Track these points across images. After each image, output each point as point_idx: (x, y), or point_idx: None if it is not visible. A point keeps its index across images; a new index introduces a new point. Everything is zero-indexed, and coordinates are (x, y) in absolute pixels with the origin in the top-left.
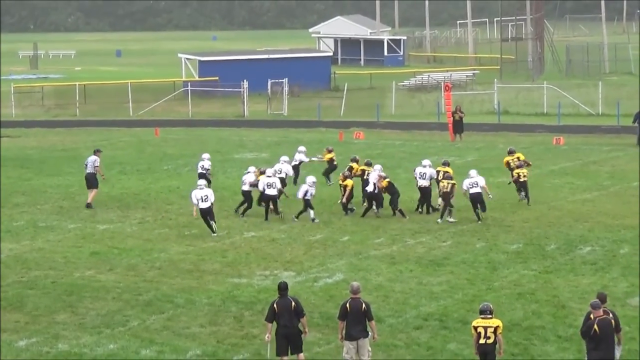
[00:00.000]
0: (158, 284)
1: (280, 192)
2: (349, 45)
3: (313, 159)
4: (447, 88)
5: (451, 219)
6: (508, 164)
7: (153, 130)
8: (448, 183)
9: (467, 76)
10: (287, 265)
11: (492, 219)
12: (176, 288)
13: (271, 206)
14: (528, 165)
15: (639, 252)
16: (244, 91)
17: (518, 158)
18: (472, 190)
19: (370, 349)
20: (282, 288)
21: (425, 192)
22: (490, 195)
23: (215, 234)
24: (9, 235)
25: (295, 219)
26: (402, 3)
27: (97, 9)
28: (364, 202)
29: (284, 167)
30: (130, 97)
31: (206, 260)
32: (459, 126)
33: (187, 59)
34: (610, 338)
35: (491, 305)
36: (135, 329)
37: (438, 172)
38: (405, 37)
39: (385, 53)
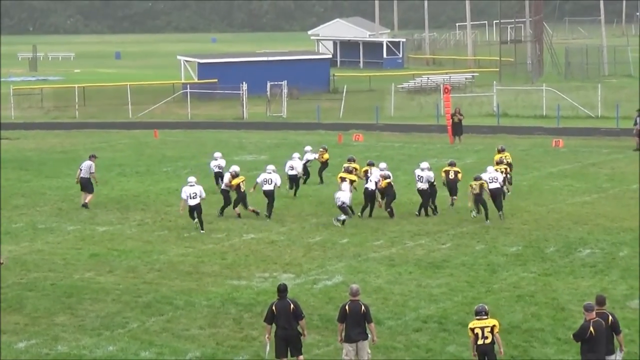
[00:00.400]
0: (157, 285)
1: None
2: (348, 48)
3: (315, 156)
4: (446, 90)
5: (487, 222)
6: (501, 160)
7: (152, 132)
8: (477, 184)
9: (466, 78)
10: (287, 267)
11: (492, 222)
12: (175, 290)
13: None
14: (508, 167)
15: (638, 255)
16: (243, 93)
17: (507, 157)
18: (491, 186)
19: (369, 351)
20: (282, 290)
21: (424, 195)
22: (508, 192)
23: (203, 231)
24: (9, 237)
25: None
26: (401, 5)
27: (96, 11)
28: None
29: (295, 163)
30: (129, 99)
31: (205, 262)
32: (458, 128)
33: (186, 61)
34: (604, 340)
35: (486, 307)
36: (135, 331)
37: (447, 172)
38: (404, 40)
39: (385, 55)
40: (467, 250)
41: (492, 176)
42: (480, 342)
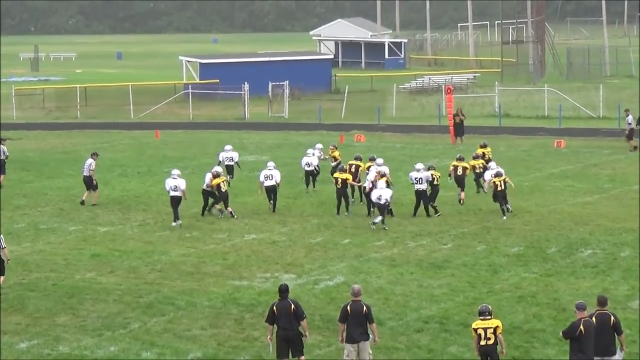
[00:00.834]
0: (159, 286)
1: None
2: (349, 48)
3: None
4: (448, 91)
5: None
6: (483, 155)
7: (154, 133)
8: (500, 180)
9: (468, 79)
10: (288, 267)
11: (493, 222)
12: (177, 290)
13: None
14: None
15: (639, 255)
16: (244, 94)
17: (485, 154)
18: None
19: (371, 351)
20: (283, 290)
21: (423, 196)
22: (512, 185)
23: (178, 222)
24: (10, 238)
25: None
26: (403, 6)
27: (98, 11)
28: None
29: (311, 160)
30: (130, 99)
31: (207, 262)
32: (459, 129)
33: (187, 61)
34: (593, 340)
35: (490, 307)
36: (136, 332)
37: (455, 167)
38: (406, 40)
39: (386, 56)
40: (468, 251)
41: (495, 172)
42: (483, 342)
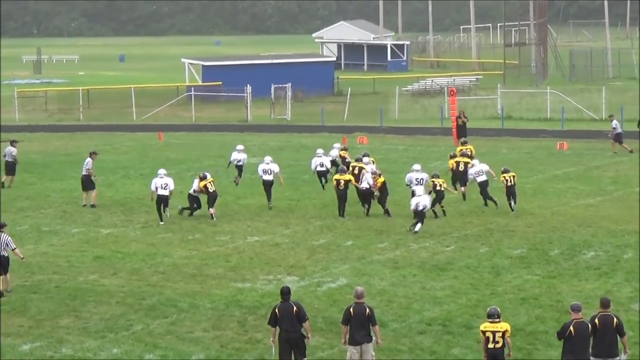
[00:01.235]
0: (162, 288)
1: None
2: (352, 50)
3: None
4: (451, 93)
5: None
6: (461, 153)
7: (156, 135)
8: (510, 176)
9: (470, 81)
10: (291, 269)
11: (496, 224)
12: (180, 292)
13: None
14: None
15: None
16: (247, 96)
17: (471, 149)
18: (479, 179)
19: (373, 353)
20: (285, 292)
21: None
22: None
23: (162, 223)
24: (13, 240)
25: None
26: (405, 8)
27: (100, 14)
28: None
29: (323, 160)
30: (133, 101)
31: (210, 264)
32: (462, 131)
33: (190, 63)
34: (585, 341)
35: (498, 309)
36: (139, 334)
37: (457, 163)
38: (408, 42)
39: (389, 58)
40: (471, 253)
41: (478, 169)
42: (491, 345)
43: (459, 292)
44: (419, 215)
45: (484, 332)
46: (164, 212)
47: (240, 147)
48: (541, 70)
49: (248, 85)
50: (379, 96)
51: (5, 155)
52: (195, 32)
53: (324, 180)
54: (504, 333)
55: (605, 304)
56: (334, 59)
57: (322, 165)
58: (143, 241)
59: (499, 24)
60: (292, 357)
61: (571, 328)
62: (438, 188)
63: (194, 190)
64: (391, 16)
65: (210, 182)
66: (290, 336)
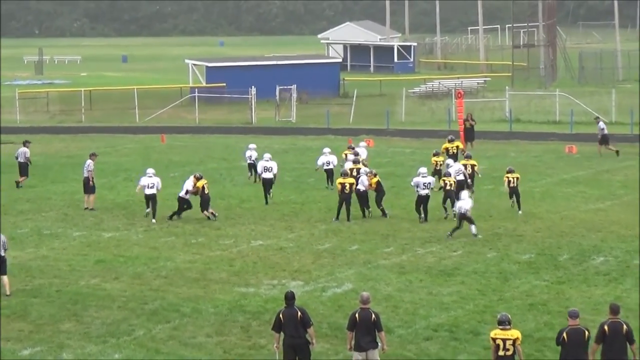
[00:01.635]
0: (164, 292)
1: (275, 176)
2: (358, 52)
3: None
4: (459, 95)
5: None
6: (447, 150)
7: (159, 137)
8: (513, 177)
9: (478, 83)
10: (295, 274)
11: (504, 229)
12: (182, 297)
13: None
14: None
15: None
16: (251, 98)
17: (457, 147)
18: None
19: None
20: (289, 297)
21: (425, 201)
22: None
23: (154, 221)
24: (13, 243)
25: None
26: (412, 9)
27: (103, 14)
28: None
29: (330, 158)
30: (136, 103)
31: (213, 269)
32: (470, 134)
33: (194, 64)
34: (579, 348)
35: (509, 316)
36: (141, 339)
37: (465, 166)
38: (415, 44)
39: (395, 59)
40: (478, 258)
41: (457, 169)
42: (501, 353)
43: (466, 297)
44: (466, 218)
45: (494, 339)
46: (149, 210)
47: (252, 145)
48: (550, 72)
49: (252, 86)
50: (386, 98)
51: (18, 157)
52: (199, 33)
53: (330, 183)
54: (514, 341)
55: (614, 310)
56: (340, 60)
57: (329, 164)
58: (145, 245)
59: (507, 25)
60: None
61: (564, 334)
62: (448, 187)
63: (187, 192)
64: (398, 17)
65: (206, 184)
66: (294, 342)
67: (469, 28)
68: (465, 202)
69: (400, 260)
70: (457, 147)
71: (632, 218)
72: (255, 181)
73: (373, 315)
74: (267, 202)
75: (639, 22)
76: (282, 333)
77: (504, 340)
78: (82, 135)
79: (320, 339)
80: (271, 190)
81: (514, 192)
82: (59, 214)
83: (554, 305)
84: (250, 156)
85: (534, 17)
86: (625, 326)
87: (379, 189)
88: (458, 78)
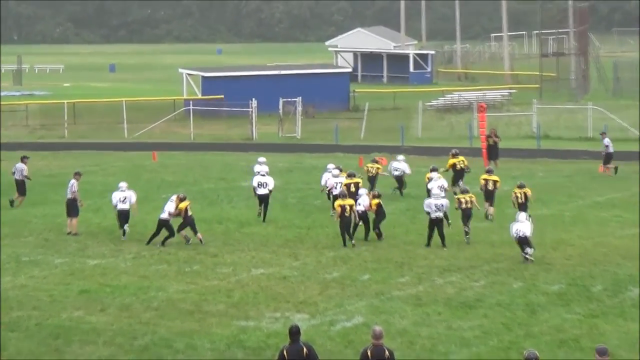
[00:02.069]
0: (155, 326)
1: (270, 192)
2: (370, 61)
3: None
4: (481, 109)
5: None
6: (454, 166)
7: (150, 155)
8: (522, 192)
9: (502, 96)
10: (300, 306)
11: (531, 256)
12: (175, 331)
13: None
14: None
15: None
16: (252, 111)
17: (463, 161)
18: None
19: None
20: (294, 332)
21: (439, 225)
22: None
23: (124, 238)
24: None
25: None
26: (430, 14)
27: (89, 18)
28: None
29: (341, 180)
30: (125, 117)
31: (209, 300)
32: (493, 152)
33: (188, 74)
34: None
35: (537, 353)
36: None
37: (486, 181)
38: (433, 52)
39: (411, 69)
40: (503, 289)
41: (440, 184)
42: None
43: (489, 332)
44: (524, 241)
45: None
46: (125, 228)
47: (262, 159)
48: (582, 83)
49: (253, 99)
50: (400, 112)
51: (14, 173)
52: (195, 40)
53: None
54: None
55: (600, 352)
56: (350, 70)
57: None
58: (134, 273)
59: (534, 32)
60: None
61: None
62: (464, 206)
63: (169, 213)
64: (414, 22)
65: (189, 205)
66: None
67: (492, 35)
68: (523, 224)
69: (417, 291)
70: (463, 161)
71: None
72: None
73: (387, 352)
74: (264, 219)
75: None
76: None
77: None
78: (64, 152)
79: None
80: (266, 208)
81: (523, 210)
82: (39, 239)
83: (586, 342)
84: (259, 172)
85: (564, 22)
86: None
87: (379, 212)
88: (480, 90)
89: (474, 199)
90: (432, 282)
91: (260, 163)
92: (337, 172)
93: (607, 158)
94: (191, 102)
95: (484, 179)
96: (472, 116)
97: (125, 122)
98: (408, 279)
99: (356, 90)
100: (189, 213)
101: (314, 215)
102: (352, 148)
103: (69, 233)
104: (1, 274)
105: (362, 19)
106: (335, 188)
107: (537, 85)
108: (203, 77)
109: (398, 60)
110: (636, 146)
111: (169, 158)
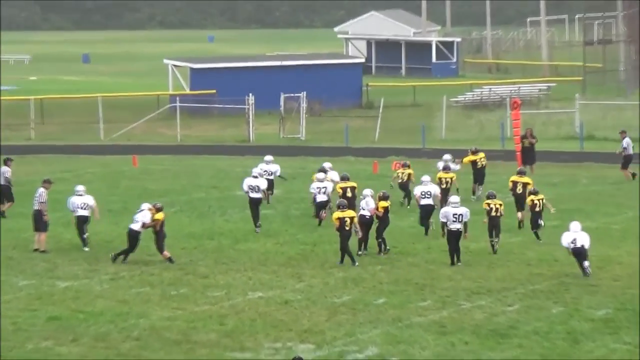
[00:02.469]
0: (136, 358)
1: (264, 193)
2: (386, 50)
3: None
4: (515, 105)
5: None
6: (474, 163)
7: (130, 159)
8: (538, 199)
9: (540, 90)
10: (305, 335)
11: (573, 276)
12: None
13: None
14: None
15: None
16: (249, 109)
17: (483, 159)
18: (423, 202)
19: None
20: None
21: (457, 237)
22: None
23: (86, 249)
24: None
25: None
26: None
27: (59, 1)
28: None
29: (327, 185)
30: (101, 115)
31: (199, 328)
32: (529, 155)
33: (174, 66)
34: None
35: None
36: None
37: (515, 183)
38: (459, 39)
39: (434, 59)
40: (540, 314)
41: (425, 190)
42: None
43: None
44: (581, 254)
45: None
46: (85, 237)
47: (269, 157)
48: (632, 75)
49: (250, 94)
50: (421, 109)
51: None
52: (183, 26)
53: (323, 214)
54: None
55: None
56: (363, 60)
57: (323, 192)
58: (112, 297)
59: (577, 16)
60: None
61: None
62: (494, 213)
63: (143, 225)
64: (437, 5)
65: (164, 218)
66: None
67: (528, 19)
68: (580, 235)
69: (440, 317)
70: (484, 158)
71: None
72: (268, 202)
73: None
74: (258, 227)
75: None
76: None
77: None
78: (31, 156)
79: None
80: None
81: (537, 218)
82: (1, 258)
83: None
84: (267, 171)
85: (612, 5)
86: None
87: (384, 217)
88: (514, 83)
89: (500, 206)
90: (457, 307)
91: (267, 162)
92: (322, 175)
93: (626, 161)
94: (178, 98)
95: (512, 181)
96: (505, 114)
97: (101, 121)
98: (430, 302)
99: (370, 84)
100: (164, 227)
101: (321, 229)
102: (364, 151)
103: (36, 250)
104: None
105: (377, 1)
106: (318, 194)
107: (580, 78)
108: (192, 68)
109: (418, 49)
110: None
111: (152, 163)
